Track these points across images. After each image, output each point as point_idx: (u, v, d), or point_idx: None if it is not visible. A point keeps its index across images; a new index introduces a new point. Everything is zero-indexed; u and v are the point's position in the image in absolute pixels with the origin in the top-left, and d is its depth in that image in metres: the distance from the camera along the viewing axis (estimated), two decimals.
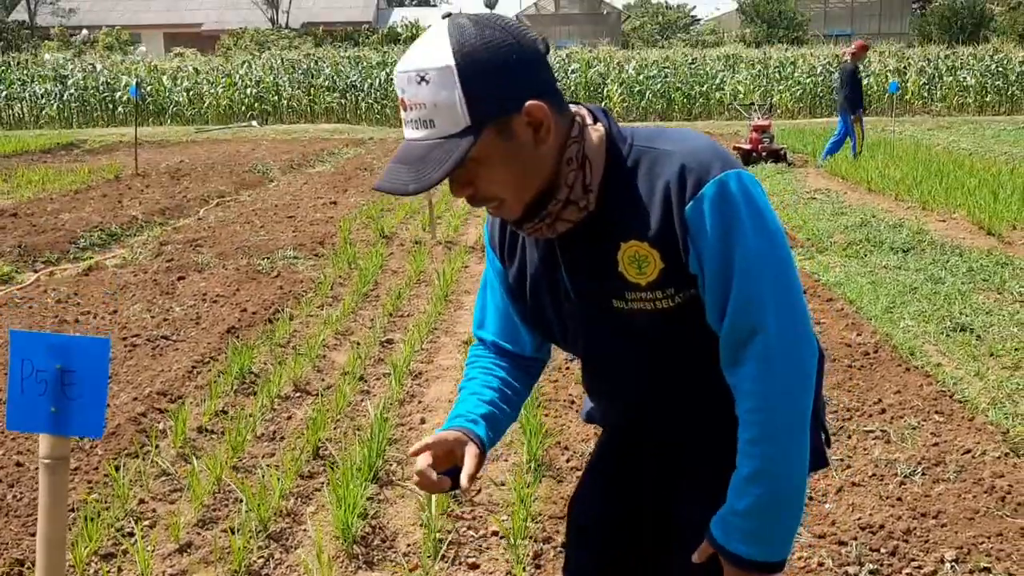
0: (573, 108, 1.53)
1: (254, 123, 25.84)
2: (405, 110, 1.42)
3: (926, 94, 27.06)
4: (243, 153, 17.59)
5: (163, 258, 8.03)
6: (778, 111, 26.01)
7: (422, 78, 1.38)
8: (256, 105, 26.86)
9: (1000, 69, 26.95)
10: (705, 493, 1.62)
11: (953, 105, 26.72)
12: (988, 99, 26.72)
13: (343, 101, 26.96)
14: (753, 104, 17.23)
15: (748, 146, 14.29)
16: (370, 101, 26.62)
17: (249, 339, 5.56)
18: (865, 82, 13.75)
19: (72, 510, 3.36)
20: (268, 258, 7.92)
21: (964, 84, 26.88)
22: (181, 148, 19.39)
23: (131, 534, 3.31)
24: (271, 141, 20.60)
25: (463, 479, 1.55)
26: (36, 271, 7.78)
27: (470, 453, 1.57)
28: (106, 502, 3.52)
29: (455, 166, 1.37)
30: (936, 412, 4.26)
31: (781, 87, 27.19)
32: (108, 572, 3.08)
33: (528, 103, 1.40)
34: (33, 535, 3.26)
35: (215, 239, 8.80)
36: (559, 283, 1.60)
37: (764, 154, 14.12)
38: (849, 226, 8.89)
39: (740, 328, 1.46)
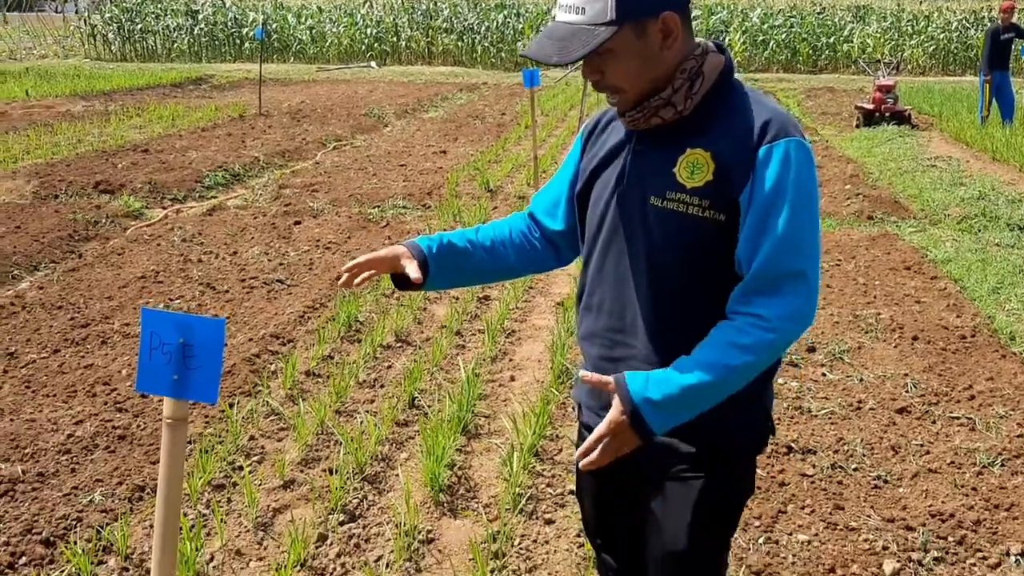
0: (701, 40, 1.77)
1: (373, 64, 26.28)
2: None
3: None
4: (360, 95, 18.00)
5: (281, 202, 8.43)
6: (908, 67, 24.93)
7: None
8: (375, 45, 27.28)
9: None
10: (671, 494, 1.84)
11: None
12: None
13: (460, 43, 27.08)
14: (880, 61, 16.59)
15: (871, 106, 13.80)
16: (486, 44, 26.67)
17: (357, 288, 5.85)
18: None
19: (190, 442, 3.71)
20: (379, 207, 8.22)
21: None
22: (303, 87, 19.96)
23: (240, 468, 3.63)
24: (388, 83, 20.97)
25: (412, 273, 1.92)
26: (164, 208, 8.29)
27: (410, 264, 1.94)
28: (220, 436, 3.86)
29: (593, 50, 1.64)
30: None
31: (913, 42, 25.95)
32: (218, 502, 3.41)
33: (665, 13, 1.66)
34: (154, 463, 3.64)
35: (330, 185, 9.15)
36: (621, 167, 1.81)
37: (887, 115, 13.62)
38: (966, 198, 8.59)
39: (781, 267, 1.64)
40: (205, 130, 12.65)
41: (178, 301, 5.56)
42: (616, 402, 1.68)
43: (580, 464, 1.72)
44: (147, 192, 8.64)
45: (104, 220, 7.54)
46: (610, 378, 1.71)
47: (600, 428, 1.69)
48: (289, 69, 24.98)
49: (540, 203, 2.07)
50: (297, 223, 7.59)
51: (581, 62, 1.70)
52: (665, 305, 1.76)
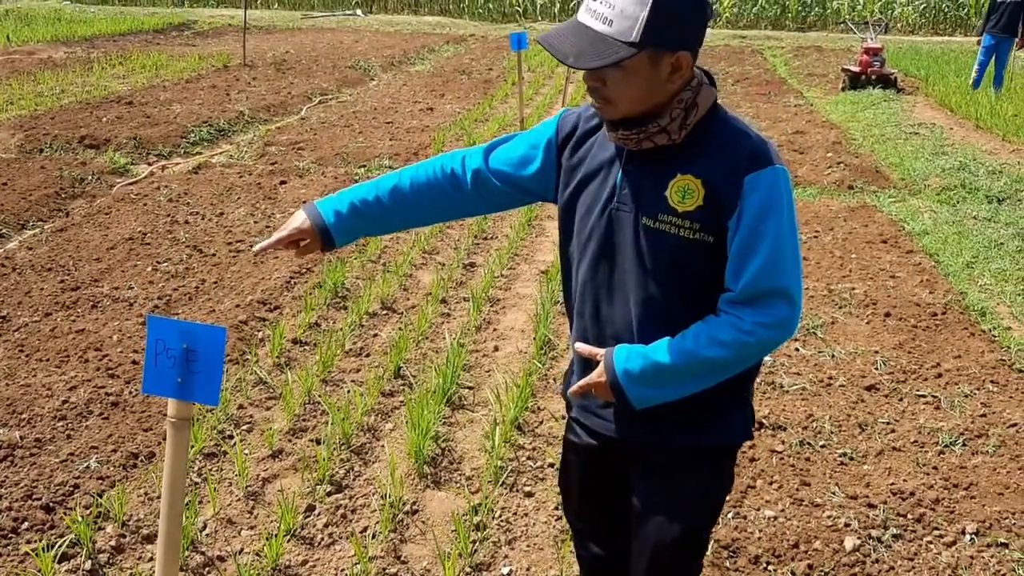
0: (697, 70, 1.85)
1: (358, 11, 25.95)
2: (594, 0, 1.73)
3: None
4: (346, 45, 17.85)
5: (266, 160, 8.45)
6: (897, 25, 24.85)
7: None
8: None
9: None
10: (659, 488, 2.01)
11: None
12: None
13: None
14: (868, 22, 16.57)
15: (857, 68, 13.83)
16: None
17: (343, 252, 5.94)
18: None
19: None
20: (365, 166, 8.26)
21: None
22: (287, 35, 19.75)
23: (231, 437, 3.75)
24: (374, 33, 20.77)
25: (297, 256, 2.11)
26: (150, 164, 8.30)
27: (306, 248, 2.09)
28: (217, 406, 3.96)
29: (608, 65, 1.71)
30: (992, 381, 4.38)
31: (903, 0, 25.83)
32: (210, 470, 3.53)
33: (681, 52, 1.74)
34: (146, 430, 3.76)
35: (316, 143, 9.16)
36: (609, 187, 1.89)
37: (873, 78, 13.66)
38: (947, 169, 8.69)
39: (763, 285, 1.76)
40: (189, 82, 12.55)
41: (166, 264, 5.62)
42: (600, 367, 1.86)
43: (568, 392, 1.93)
44: (132, 148, 8.63)
45: (90, 177, 7.54)
46: (601, 350, 1.89)
47: (584, 381, 1.89)
48: (273, 15, 24.67)
49: (500, 165, 2.07)
50: (283, 183, 7.62)
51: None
52: (651, 317, 1.87)
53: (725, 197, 1.77)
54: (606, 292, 1.93)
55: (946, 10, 25.66)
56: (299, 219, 2.07)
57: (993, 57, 13.00)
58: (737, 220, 1.77)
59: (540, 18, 25.89)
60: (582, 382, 1.91)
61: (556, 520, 3.29)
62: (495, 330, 4.95)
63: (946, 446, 3.81)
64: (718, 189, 1.78)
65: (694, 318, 1.83)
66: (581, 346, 1.95)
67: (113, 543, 3.07)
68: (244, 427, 3.87)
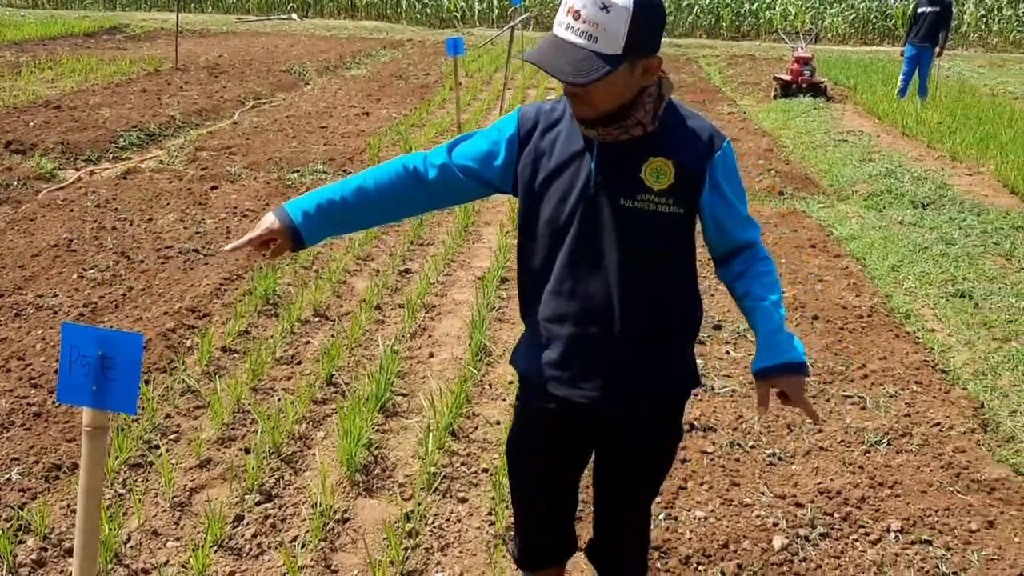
0: None
1: (294, 16, 25.70)
2: (575, 19, 1.83)
3: (983, 27, 26.26)
4: (281, 50, 17.65)
5: (197, 165, 8.30)
6: (827, 35, 25.44)
7: (605, 7, 1.81)
8: None
9: None
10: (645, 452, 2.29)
11: (1010, 40, 25.94)
12: None
13: None
14: (799, 32, 16.95)
15: (788, 77, 14.13)
16: None
17: (275, 259, 5.85)
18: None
19: None
20: (298, 171, 8.16)
21: None
22: (221, 39, 19.45)
23: (157, 447, 3.66)
24: (310, 37, 20.58)
25: (262, 258, 2.20)
26: (77, 169, 8.10)
27: (277, 249, 2.19)
28: (136, 415, 3.87)
29: (600, 79, 1.83)
30: (916, 382, 4.49)
31: (833, 10, 26.46)
32: (135, 481, 3.45)
33: (652, 57, 1.92)
34: (69, 441, 3.65)
35: (248, 148, 9.03)
36: (583, 174, 2.04)
37: (804, 86, 13.97)
38: (874, 175, 8.92)
39: (740, 239, 2.15)
40: (120, 86, 12.28)
41: (92, 271, 5.48)
42: (792, 380, 2.07)
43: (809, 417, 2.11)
44: (59, 153, 8.41)
45: (15, 183, 7.33)
46: (763, 388, 2.11)
47: (800, 400, 2.07)
48: (207, 19, 24.29)
49: (467, 154, 2.18)
50: (214, 188, 7.49)
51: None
52: (639, 282, 2.08)
53: (696, 174, 2.02)
54: (586, 270, 2.08)
55: (874, 20, 26.35)
56: (269, 220, 2.17)
57: (912, 65, 13.38)
58: (713, 191, 2.05)
59: (478, 24, 25.93)
60: (808, 410, 2.08)
61: (489, 526, 3.29)
62: (430, 336, 4.92)
63: (871, 445, 3.89)
64: (688, 168, 2.02)
65: (673, 271, 2.12)
66: (763, 408, 2.12)
67: (34, 557, 2.97)
68: (171, 437, 3.79)
